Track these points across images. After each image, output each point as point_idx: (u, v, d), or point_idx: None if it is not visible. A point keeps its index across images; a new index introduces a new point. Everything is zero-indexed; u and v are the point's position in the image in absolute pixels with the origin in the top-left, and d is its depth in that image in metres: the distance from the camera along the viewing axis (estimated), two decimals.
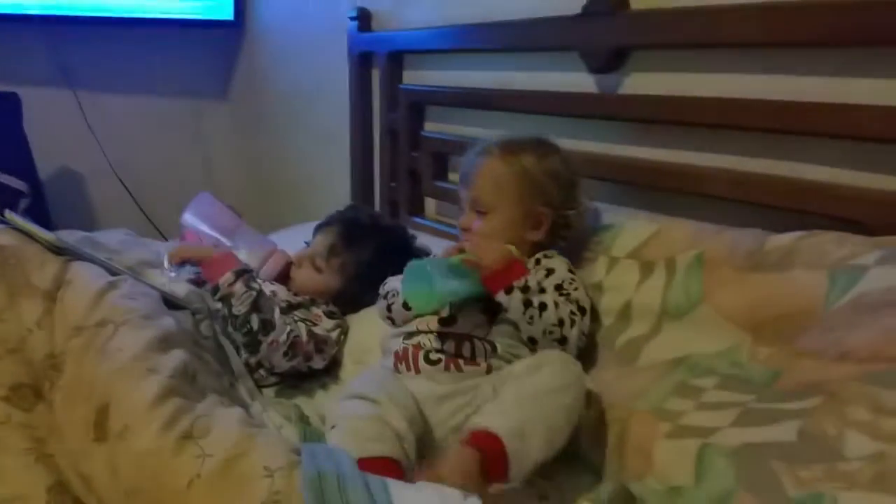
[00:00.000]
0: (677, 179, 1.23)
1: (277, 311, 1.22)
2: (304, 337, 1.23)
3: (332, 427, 0.94)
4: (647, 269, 1.12)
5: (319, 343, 1.26)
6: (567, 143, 1.43)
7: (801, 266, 0.95)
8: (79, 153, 2.54)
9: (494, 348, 1.07)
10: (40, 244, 1.06)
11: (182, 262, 1.26)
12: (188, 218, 1.40)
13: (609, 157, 1.37)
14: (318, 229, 1.46)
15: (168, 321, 0.97)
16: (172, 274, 1.24)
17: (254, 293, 1.19)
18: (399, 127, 1.86)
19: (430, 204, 1.88)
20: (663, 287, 1.08)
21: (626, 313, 1.11)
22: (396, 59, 1.87)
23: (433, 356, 1.07)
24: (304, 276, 1.38)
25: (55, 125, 2.42)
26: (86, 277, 1.00)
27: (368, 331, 1.32)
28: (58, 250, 1.05)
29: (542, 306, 1.05)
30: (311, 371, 1.29)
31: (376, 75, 1.97)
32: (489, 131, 1.63)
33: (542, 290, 1.07)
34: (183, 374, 0.86)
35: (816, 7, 1.02)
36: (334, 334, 1.31)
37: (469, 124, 1.71)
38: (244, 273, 1.21)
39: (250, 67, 2.73)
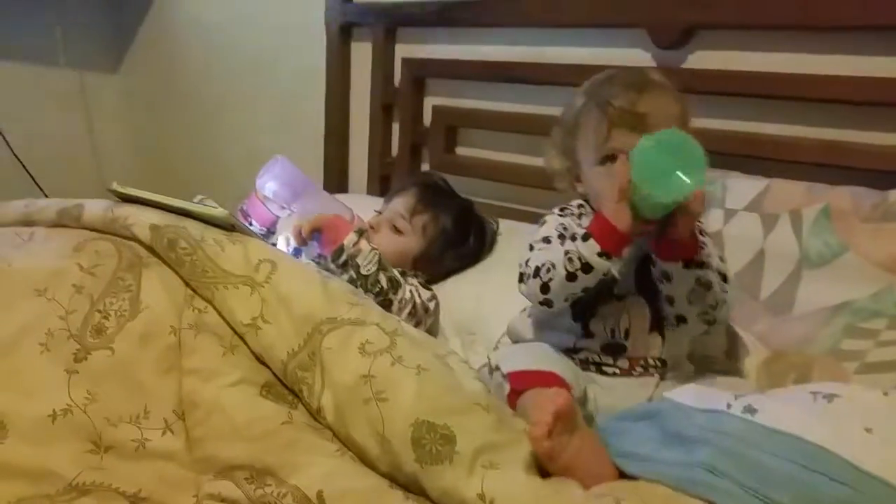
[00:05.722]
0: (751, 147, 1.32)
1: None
2: (418, 298, 1.16)
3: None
4: (769, 220, 1.19)
5: (426, 306, 1.20)
6: None
7: None
8: None
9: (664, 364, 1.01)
10: (195, 219, 0.88)
11: (311, 235, 1.10)
12: (271, 186, 1.22)
13: None
14: (393, 195, 1.39)
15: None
16: (302, 254, 1.09)
17: (377, 250, 1.11)
18: (397, 101, 1.79)
19: None
20: (795, 237, 1.16)
21: (757, 263, 1.18)
22: (391, 32, 1.79)
23: (608, 370, 1.00)
24: (384, 241, 1.28)
25: None
26: (286, 258, 0.86)
27: (469, 304, 1.29)
28: (227, 226, 0.88)
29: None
30: None
31: (357, 48, 1.87)
32: (508, 105, 1.64)
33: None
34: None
35: None
36: (432, 304, 1.24)
37: (483, 98, 1.69)
38: (363, 231, 1.14)
39: (152, 35, 2.40)
